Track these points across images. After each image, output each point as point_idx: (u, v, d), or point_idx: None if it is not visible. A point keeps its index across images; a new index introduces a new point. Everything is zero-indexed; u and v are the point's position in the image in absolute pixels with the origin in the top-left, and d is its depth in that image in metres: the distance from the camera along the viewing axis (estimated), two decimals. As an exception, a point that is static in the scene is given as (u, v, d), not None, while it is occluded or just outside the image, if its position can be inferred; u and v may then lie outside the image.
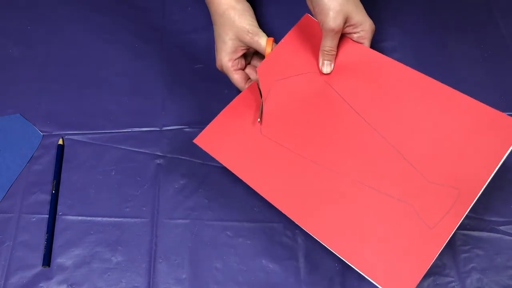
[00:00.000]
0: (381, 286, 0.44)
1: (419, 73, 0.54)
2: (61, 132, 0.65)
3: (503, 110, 0.66)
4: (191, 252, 0.57)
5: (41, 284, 0.55)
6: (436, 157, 0.49)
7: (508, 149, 0.47)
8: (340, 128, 0.53)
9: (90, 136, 0.64)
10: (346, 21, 0.54)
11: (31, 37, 0.73)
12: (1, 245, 0.57)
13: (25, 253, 0.57)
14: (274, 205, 0.50)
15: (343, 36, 0.57)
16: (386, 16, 0.74)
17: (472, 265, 0.56)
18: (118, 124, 0.65)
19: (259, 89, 0.56)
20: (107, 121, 0.65)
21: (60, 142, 0.63)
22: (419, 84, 0.53)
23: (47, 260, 0.56)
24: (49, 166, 0.62)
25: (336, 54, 0.56)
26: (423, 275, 0.45)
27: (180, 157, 0.63)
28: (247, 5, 0.58)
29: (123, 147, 0.64)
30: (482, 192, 0.60)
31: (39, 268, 0.56)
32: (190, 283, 0.55)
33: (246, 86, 0.58)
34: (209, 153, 0.54)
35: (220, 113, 0.56)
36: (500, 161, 0.47)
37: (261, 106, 0.55)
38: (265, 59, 0.56)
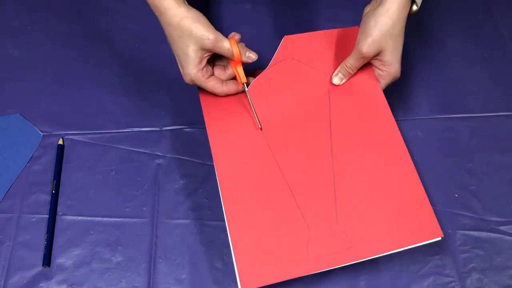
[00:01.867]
0: (238, 271, 0.48)
1: (398, 133, 0.56)
2: (61, 132, 0.65)
3: (503, 110, 0.67)
4: (191, 252, 0.57)
5: (41, 284, 0.55)
6: (354, 208, 0.51)
7: (414, 244, 0.50)
8: (309, 138, 0.55)
9: (90, 136, 0.64)
10: (378, 54, 0.55)
11: (31, 37, 0.73)
12: (1, 245, 0.57)
13: (25, 253, 0.57)
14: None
15: (368, 64, 0.58)
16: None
17: (472, 265, 0.56)
18: (118, 124, 0.65)
19: (248, 98, 0.56)
20: (107, 121, 0.65)
21: (60, 142, 0.63)
22: (390, 144, 0.55)
23: (47, 260, 0.56)
24: (49, 166, 0.62)
25: (353, 75, 0.58)
26: (273, 282, 0.48)
27: (180, 157, 0.63)
28: (198, 12, 0.54)
29: (123, 147, 0.64)
30: (482, 193, 0.61)
31: (39, 268, 0.56)
32: (190, 283, 0.55)
33: (225, 88, 0.57)
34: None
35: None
36: (399, 249, 0.49)
37: (254, 114, 0.55)
38: (254, 82, 0.58)
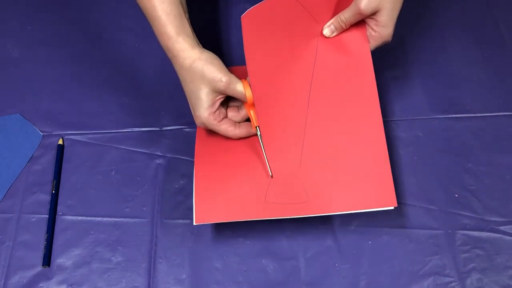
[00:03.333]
0: (195, 203, 0.52)
1: (376, 98, 0.55)
2: (61, 132, 0.65)
3: (503, 110, 0.67)
4: (191, 252, 0.57)
5: (41, 284, 0.55)
6: (317, 165, 0.53)
7: (366, 209, 0.51)
8: (289, 86, 0.55)
9: (90, 136, 0.64)
10: (374, 13, 0.53)
11: (31, 37, 0.73)
12: (1, 245, 0.57)
13: (25, 253, 0.57)
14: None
15: (362, 22, 0.56)
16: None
17: (472, 265, 0.56)
18: (118, 124, 0.65)
19: (261, 143, 0.54)
20: (107, 121, 0.65)
21: (60, 142, 0.63)
22: (366, 107, 0.54)
23: (47, 260, 0.56)
24: (49, 166, 0.62)
25: (345, 30, 0.56)
26: (227, 220, 0.52)
27: (180, 157, 0.63)
28: (212, 53, 0.53)
29: (123, 147, 0.64)
30: (482, 193, 0.61)
31: (39, 268, 0.56)
32: (190, 283, 0.55)
33: (237, 131, 0.55)
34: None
35: None
36: (354, 211, 0.51)
37: (266, 161, 0.54)
38: (249, 11, 0.53)
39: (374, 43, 0.56)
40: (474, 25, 0.74)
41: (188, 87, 0.53)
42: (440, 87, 0.68)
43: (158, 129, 0.65)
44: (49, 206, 0.59)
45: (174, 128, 0.65)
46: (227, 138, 0.56)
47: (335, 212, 0.51)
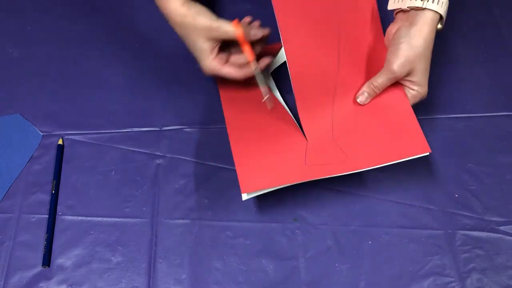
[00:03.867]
0: (238, 175, 0.52)
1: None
2: (61, 132, 0.65)
3: (503, 110, 0.67)
4: (191, 252, 0.57)
5: (41, 284, 0.55)
6: (350, 125, 0.56)
7: (403, 158, 0.53)
8: (320, 52, 0.57)
9: (90, 136, 0.64)
10: (409, 74, 0.55)
11: (31, 37, 0.73)
12: (1, 245, 0.57)
13: (25, 253, 0.57)
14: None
15: (398, 83, 0.58)
16: (386, 16, 0.74)
17: (472, 265, 0.56)
18: (118, 124, 0.65)
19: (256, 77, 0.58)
20: (107, 121, 0.65)
21: (60, 142, 0.63)
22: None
23: (47, 260, 0.56)
24: (49, 166, 0.62)
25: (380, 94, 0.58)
26: (272, 187, 0.52)
27: (180, 157, 0.63)
28: (200, 5, 0.57)
29: (123, 147, 0.64)
30: (482, 192, 0.61)
31: (39, 268, 0.56)
32: (190, 283, 0.55)
33: (241, 72, 0.58)
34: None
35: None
36: (391, 162, 0.53)
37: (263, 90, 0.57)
38: None
39: (413, 100, 0.57)
40: (474, 25, 0.74)
41: (187, 41, 0.58)
42: (440, 87, 0.68)
43: (158, 129, 0.65)
44: (49, 206, 0.59)
45: (174, 128, 0.65)
46: (254, 104, 0.60)
47: (374, 165, 0.53)
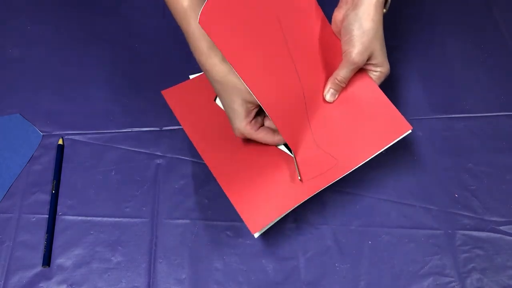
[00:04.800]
0: (243, 219, 0.52)
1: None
2: (61, 132, 0.65)
3: (503, 110, 0.67)
4: (191, 252, 0.57)
5: (41, 284, 0.55)
6: (329, 128, 0.55)
7: (389, 143, 0.53)
8: (276, 66, 0.55)
9: (90, 136, 0.64)
10: (369, 59, 0.54)
11: (31, 37, 0.73)
12: (1, 245, 0.57)
13: (25, 253, 0.57)
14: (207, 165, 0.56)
15: (360, 70, 0.56)
16: (386, 16, 0.74)
17: (472, 265, 0.56)
18: (118, 124, 0.65)
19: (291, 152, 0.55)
20: (107, 121, 0.65)
21: (60, 142, 0.63)
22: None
23: (47, 260, 0.56)
24: (49, 166, 0.62)
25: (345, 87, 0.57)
26: (278, 217, 0.52)
27: (180, 157, 0.63)
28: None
29: (123, 147, 0.64)
30: (482, 192, 0.61)
31: (39, 268, 0.56)
32: (190, 283, 0.55)
33: (276, 138, 0.55)
34: (171, 108, 0.61)
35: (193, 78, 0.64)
36: (380, 150, 0.53)
37: (296, 166, 0.54)
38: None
39: (378, 81, 0.57)
40: (474, 25, 0.74)
41: (223, 100, 0.54)
42: (440, 87, 0.68)
43: (158, 129, 0.65)
44: (49, 206, 0.59)
45: (174, 128, 0.65)
46: (228, 140, 0.58)
47: (365, 159, 0.53)
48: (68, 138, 0.64)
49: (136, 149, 0.63)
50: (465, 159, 0.63)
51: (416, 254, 0.56)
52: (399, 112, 0.54)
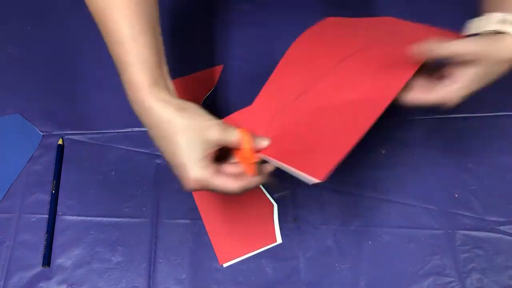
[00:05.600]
0: (214, 250, 0.57)
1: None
2: (61, 132, 0.65)
3: (503, 110, 0.67)
4: (191, 252, 0.57)
5: (41, 284, 0.55)
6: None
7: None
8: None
9: (90, 136, 0.64)
10: (470, 60, 0.46)
11: (31, 37, 0.73)
12: (1, 245, 0.57)
13: (25, 253, 0.57)
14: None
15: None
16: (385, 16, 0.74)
17: (472, 265, 0.56)
18: (118, 124, 0.65)
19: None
20: (107, 121, 0.65)
21: (60, 142, 0.63)
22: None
23: (47, 260, 0.56)
24: (49, 166, 0.62)
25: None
26: (247, 254, 0.56)
27: (180, 157, 0.63)
28: (193, 103, 0.44)
29: (123, 147, 0.64)
30: (482, 192, 0.60)
31: (39, 268, 0.56)
32: (190, 283, 0.55)
33: (240, 185, 0.43)
34: None
35: None
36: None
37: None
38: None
39: (441, 97, 0.48)
40: (474, 25, 0.74)
41: (170, 141, 0.42)
42: (440, 87, 0.68)
43: (158, 129, 0.65)
44: (49, 206, 0.59)
45: (174, 128, 0.65)
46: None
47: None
48: (68, 138, 0.64)
49: (136, 149, 0.63)
50: (465, 159, 0.63)
51: (416, 254, 0.56)
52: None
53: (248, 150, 0.44)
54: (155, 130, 0.43)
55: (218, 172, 0.43)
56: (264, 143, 0.46)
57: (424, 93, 0.48)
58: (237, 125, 0.46)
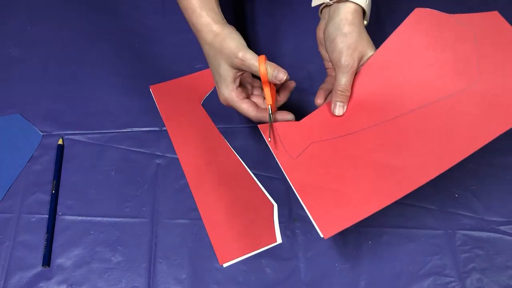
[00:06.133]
0: (215, 249, 0.57)
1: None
2: (61, 132, 0.65)
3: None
4: (191, 252, 0.57)
5: (41, 284, 0.55)
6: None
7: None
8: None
9: (90, 136, 0.64)
10: (362, 57, 0.52)
11: (31, 37, 0.73)
12: (1, 245, 0.57)
13: (25, 253, 0.57)
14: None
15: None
16: (385, 16, 0.74)
17: (472, 265, 0.56)
18: (118, 124, 0.65)
19: (270, 122, 0.53)
20: (107, 121, 0.65)
21: (60, 142, 0.63)
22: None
23: (47, 260, 0.56)
24: (49, 166, 0.62)
25: (350, 95, 0.53)
26: (247, 255, 0.56)
27: (180, 157, 0.63)
28: (233, 28, 0.52)
29: (123, 147, 0.64)
30: (482, 193, 0.60)
31: (39, 268, 0.56)
32: (190, 283, 0.55)
33: (259, 114, 0.53)
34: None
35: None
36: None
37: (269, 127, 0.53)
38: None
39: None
40: (474, 25, 0.74)
41: (210, 63, 0.53)
42: (440, 87, 0.68)
43: (158, 129, 0.65)
44: (49, 206, 0.59)
45: (174, 128, 0.65)
46: (213, 156, 0.59)
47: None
48: (68, 138, 0.64)
49: (136, 149, 0.63)
50: (465, 159, 0.63)
51: (416, 254, 0.56)
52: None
53: (264, 73, 0.50)
54: (203, 49, 0.54)
55: (244, 97, 0.53)
56: (280, 75, 0.51)
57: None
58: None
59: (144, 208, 0.59)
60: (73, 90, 0.68)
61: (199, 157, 0.62)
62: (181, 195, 0.60)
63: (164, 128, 0.65)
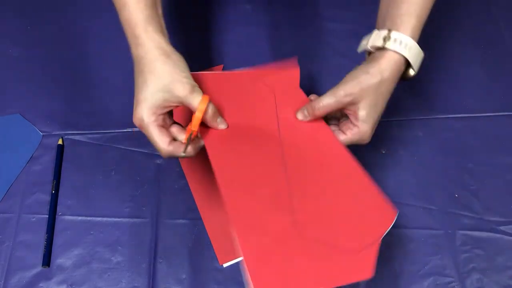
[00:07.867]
0: (214, 249, 0.56)
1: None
2: (61, 132, 0.65)
3: (503, 110, 0.67)
4: (191, 252, 0.57)
5: (41, 284, 0.55)
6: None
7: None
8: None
9: (90, 136, 0.64)
10: (354, 104, 0.48)
11: (31, 37, 0.73)
12: (1, 245, 0.57)
13: (25, 253, 0.57)
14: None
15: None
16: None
17: (472, 265, 0.56)
18: (118, 124, 0.65)
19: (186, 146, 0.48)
20: (107, 121, 0.65)
21: (60, 142, 0.63)
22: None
23: (47, 260, 0.56)
24: (49, 166, 0.62)
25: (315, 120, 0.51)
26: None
27: (180, 157, 0.63)
28: (181, 56, 0.48)
29: (123, 147, 0.64)
30: (482, 192, 0.61)
31: (39, 268, 0.56)
32: (190, 283, 0.55)
33: (169, 148, 0.47)
34: None
35: None
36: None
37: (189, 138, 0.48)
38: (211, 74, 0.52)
39: (350, 137, 0.50)
40: (474, 25, 0.74)
41: (143, 78, 0.46)
42: (440, 87, 0.68)
43: (158, 129, 0.65)
44: (49, 206, 0.59)
45: (174, 128, 0.65)
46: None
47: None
48: (68, 138, 0.64)
49: (136, 149, 0.63)
50: (465, 159, 0.63)
51: (416, 254, 0.56)
52: (385, 201, 0.49)
53: (197, 118, 0.46)
54: (137, 63, 0.47)
55: (163, 126, 0.47)
56: (222, 126, 0.49)
57: (341, 136, 0.50)
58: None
59: (144, 208, 0.59)
60: (73, 90, 0.68)
61: (202, 166, 0.61)
62: (181, 195, 0.60)
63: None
